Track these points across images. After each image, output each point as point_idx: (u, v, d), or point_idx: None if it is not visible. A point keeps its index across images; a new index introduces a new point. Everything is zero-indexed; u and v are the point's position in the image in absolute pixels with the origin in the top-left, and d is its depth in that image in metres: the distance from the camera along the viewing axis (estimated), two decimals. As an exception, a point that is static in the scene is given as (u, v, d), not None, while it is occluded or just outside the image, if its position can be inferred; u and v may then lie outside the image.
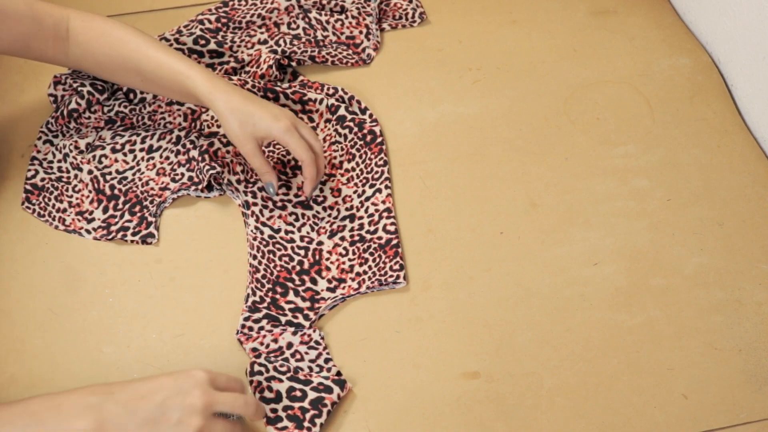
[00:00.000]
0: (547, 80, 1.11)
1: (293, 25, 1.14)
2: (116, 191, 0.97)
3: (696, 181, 0.99)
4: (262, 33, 1.14)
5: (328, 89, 1.07)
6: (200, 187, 0.96)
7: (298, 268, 0.92)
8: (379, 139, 1.01)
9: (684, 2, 1.18)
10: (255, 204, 0.96)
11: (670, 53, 1.13)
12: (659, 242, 0.94)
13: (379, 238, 0.93)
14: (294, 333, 0.86)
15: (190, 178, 0.97)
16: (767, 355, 0.85)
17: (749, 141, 1.03)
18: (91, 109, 1.02)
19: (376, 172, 0.99)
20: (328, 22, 1.15)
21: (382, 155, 1.00)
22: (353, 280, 0.91)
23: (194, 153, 0.98)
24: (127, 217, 0.95)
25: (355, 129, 1.02)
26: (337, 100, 1.05)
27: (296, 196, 0.98)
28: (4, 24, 0.90)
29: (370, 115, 1.04)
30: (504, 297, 0.89)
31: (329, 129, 1.03)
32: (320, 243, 0.94)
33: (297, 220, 0.96)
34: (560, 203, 0.97)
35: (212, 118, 1.03)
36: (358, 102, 1.05)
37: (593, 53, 1.14)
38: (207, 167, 0.95)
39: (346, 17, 1.16)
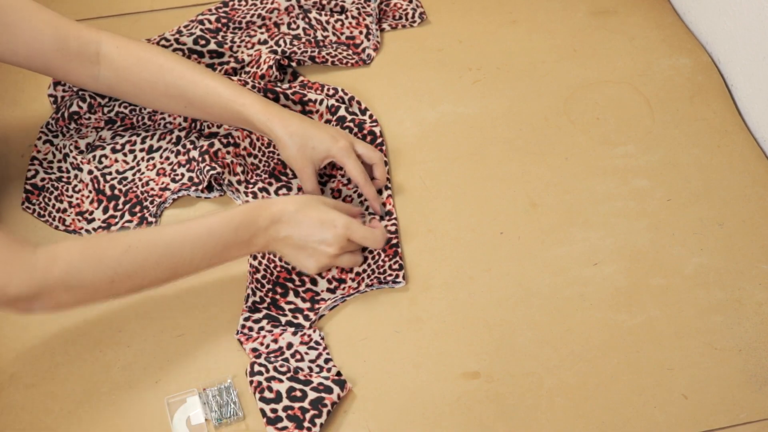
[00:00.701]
0: (547, 80, 1.11)
1: (293, 26, 1.14)
2: (116, 191, 0.97)
3: (696, 181, 0.99)
4: (262, 33, 1.14)
5: (328, 90, 1.07)
6: (200, 187, 0.96)
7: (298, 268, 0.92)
8: (379, 140, 1.01)
9: (684, 2, 1.18)
10: (255, 204, 0.96)
11: (670, 53, 1.13)
12: (659, 242, 0.94)
13: (379, 238, 0.93)
14: (294, 333, 0.86)
15: (190, 179, 0.97)
16: (767, 355, 0.85)
17: (749, 141, 1.03)
18: (91, 111, 1.02)
19: (376, 172, 0.99)
20: (328, 22, 1.15)
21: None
22: (353, 280, 0.91)
23: (194, 153, 0.98)
24: (127, 217, 0.95)
25: (355, 129, 1.02)
26: (337, 100, 1.05)
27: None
28: (20, 38, 0.88)
29: (370, 116, 1.04)
30: (504, 297, 0.89)
31: (329, 129, 1.03)
32: (320, 243, 0.94)
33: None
34: (560, 203, 0.97)
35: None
36: (358, 103, 1.05)
37: (593, 53, 1.14)
38: (207, 168, 0.95)
39: (346, 17, 1.16)
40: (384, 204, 0.96)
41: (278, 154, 1.01)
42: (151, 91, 0.95)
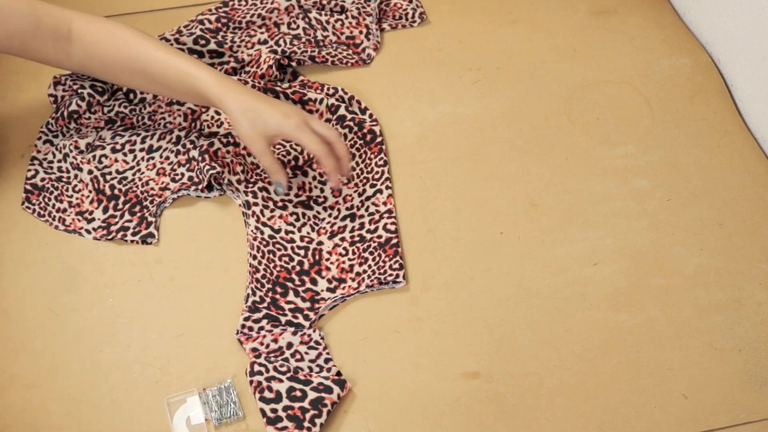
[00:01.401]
0: (547, 80, 1.11)
1: (293, 25, 1.14)
2: (116, 191, 0.97)
3: (696, 181, 0.99)
4: (262, 33, 1.14)
5: (328, 89, 1.07)
6: (200, 187, 0.96)
7: (298, 268, 0.92)
8: (378, 139, 1.01)
9: (684, 2, 1.18)
10: (256, 204, 0.96)
11: (670, 53, 1.13)
12: (659, 242, 0.94)
13: (379, 236, 0.93)
14: (294, 333, 0.86)
15: (190, 178, 0.97)
16: (767, 355, 0.85)
17: (749, 141, 1.03)
18: (91, 110, 1.02)
19: (377, 172, 0.99)
20: (328, 22, 1.15)
21: (382, 155, 1.00)
22: (353, 280, 0.91)
23: (194, 153, 0.98)
24: (127, 217, 0.95)
25: (355, 129, 1.02)
26: (337, 100, 1.05)
27: (297, 196, 0.98)
28: (0, 19, 0.90)
29: (370, 115, 1.04)
30: (504, 297, 0.89)
31: (329, 129, 1.03)
32: (320, 243, 0.94)
33: (297, 220, 0.96)
34: (560, 203, 0.97)
35: (212, 118, 1.03)
36: (358, 102, 1.05)
37: (593, 53, 1.14)
38: (207, 167, 0.95)
39: (346, 17, 1.16)
40: (346, 184, 0.98)
41: (277, 154, 1.01)
42: (116, 66, 0.95)
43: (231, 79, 0.93)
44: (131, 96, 1.04)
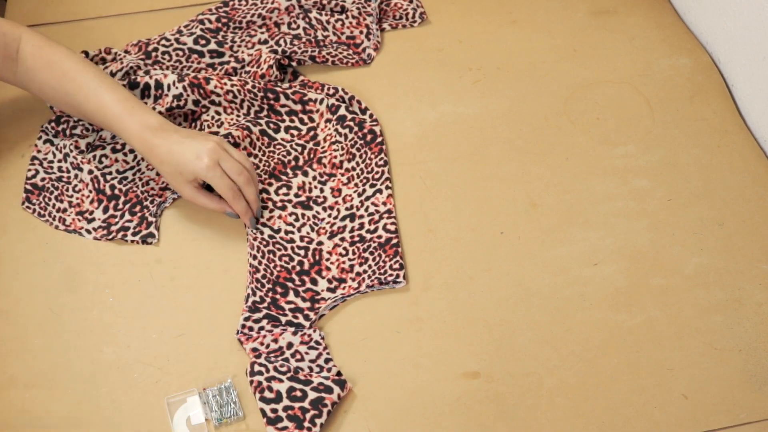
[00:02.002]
0: (547, 80, 1.11)
1: (293, 25, 1.14)
2: (116, 191, 0.97)
3: (696, 181, 0.99)
4: (262, 33, 1.14)
5: (329, 89, 1.07)
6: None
7: (298, 268, 0.92)
8: (379, 139, 1.01)
9: (684, 2, 1.18)
10: (255, 204, 0.96)
11: (670, 53, 1.13)
12: (659, 242, 0.94)
13: (379, 237, 0.93)
14: (294, 333, 0.86)
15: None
16: (767, 355, 0.85)
17: (749, 141, 1.03)
18: None
19: (377, 172, 0.99)
20: (328, 22, 1.15)
21: (383, 155, 1.00)
22: (353, 280, 0.91)
23: None
24: (127, 217, 0.95)
25: (356, 128, 1.02)
26: (337, 100, 1.05)
27: (296, 196, 0.98)
28: None
29: (371, 115, 1.04)
30: (504, 297, 0.89)
31: (329, 129, 1.03)
32: (320, 243, 0.94)
33: (297, 220, 0.96)
34: (560, 203, 0.97)
35: (212, 118, 1.03)
36: (359, 102, 1.05)
37: (593, 53, 1.14)
38: None
39: (347, 17, 1.16)
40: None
41: (277, 154, 1.01)
42: (53, 96, 0.96)
43: (154, 127, 0.91)
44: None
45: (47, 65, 0.94)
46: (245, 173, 0.92)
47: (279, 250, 0.93)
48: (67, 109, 0.97)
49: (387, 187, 0.97)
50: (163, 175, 0.92)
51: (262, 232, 0.93)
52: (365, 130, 1.02)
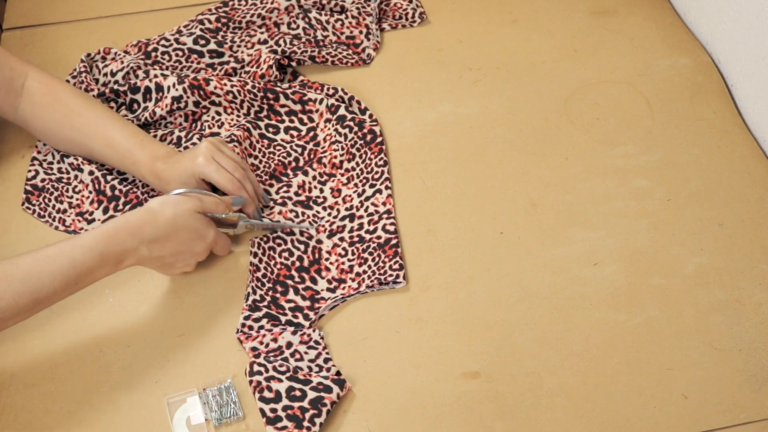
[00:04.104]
0: (547, 80, 1.11)
1: (293, 25, 1.14)
2: (117, 192, 0.97)
3: (696, 181, 0.99)
4: (262, 33, 1.14)
5: (328, 89, 1.07)
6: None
7: (297, 264, 0.92)
8: (379, 139, 1.02)
9: (684, 2, 1.18)
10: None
11: (670, 53, 1.13)
12: (659, 242, 0.94)
13: (378, 237, 0.93)
14: (294, 332, 0.86)
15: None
16: (767, 355, 0.85)
17: (749, 141, 1.03)
18: None
19: (376, 172, 0.99)
20: (328, 22, 1.15)
21: (382, 155, 1.00)
22: (353, 280, 0.91)
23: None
24: (127, 217, 0.95)
25: (355, 128, 1.02)
26: (336, 100, 1.05)
27: (296, 195, 0.98)
28: None
29: (370, 116, 1.05)
30: (504, 297, 0.89)
31: (329, 129, 1.03)
32: (319, 241, 0.94)
33: (297, 216, 0.96)
34: (560, 203, 0.97)
35: (212, 118, 1.04)
36: (358, 102, 1.05)
37: (593, 53, 1.14)
38: None
39: (346, 17, 1.16)
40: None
41: (278, 155, 1.01)
42: (57, 132, 0.95)
43: (163, 157, 0.92)
44: (135, 107, 1.04)
45: (54, 101, 0.94)
46: (240, 170, 0.92)
47: (279, 245, 0.92)
48: (68, 146, 0.97)
49: (387, 188, 0.97)
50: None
51: (268, 239, 0.93)
52: (365, 130, 1.02)
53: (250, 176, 0.94)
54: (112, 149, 0.93)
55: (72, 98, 0.95)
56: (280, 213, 0.96)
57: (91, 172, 0.97)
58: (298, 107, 1.05)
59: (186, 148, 1.00)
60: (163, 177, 0.92)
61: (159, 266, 0.86)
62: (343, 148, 1.01)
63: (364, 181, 0.99)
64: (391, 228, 0.93)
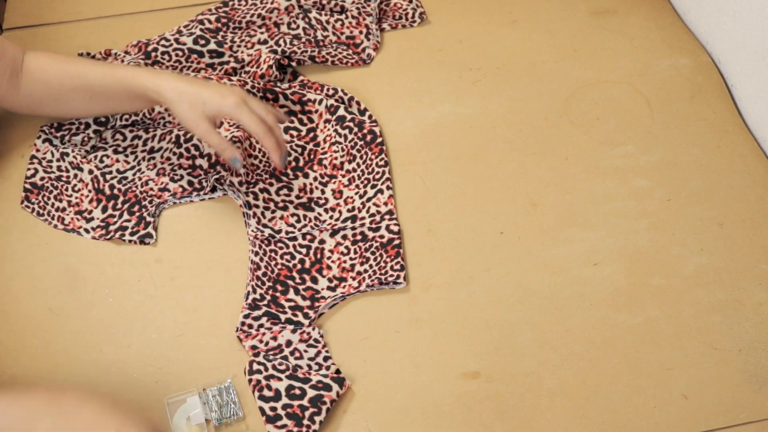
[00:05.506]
0: (547, 80, 1.11)
1: (293, 25, 1.14)
2: (116, 191, 0.97)
3: (696, 181, 0.99)
4: (262, 33, 1.14)
5: (328, 90, 1.07)
6: (202, 192, 0.97)
7: (299, 266, 0.92)
8: (379, 140, 1.01)
9: (684, 2, 1.18)
10: (257, 206, 0.96)
11: (670, 53, 1.13)
12: (659, 242, 0.94)
13: (381, 236, 0.93)
14: (293, 331, 0.86)
15: (190, 183, 0.97)
16: (767, 355, 0.85)
17: (749, 141, 1.03)
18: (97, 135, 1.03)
19: (377, 173, 0.99)
20: (328, 22, 1.15)
21: (383, 155, 1.00)
22: (354, 279, 0.91)
23: (201, 162, 0.98)
24: (125, 216, 0.95)
25: (355, 129, 1.02)
26: (336, 100, 1.05)
27: (297, 197, 0.98)
28: None
29: (370, 116, 1.04)
30: (504, 297, 0.89)
31: (329, 129, 1.03)
32: (322, 242, 0.94)
33: (299, 221, 0.96)
34: (560, 203, 0.97)
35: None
36: (358, 103, 1.05)
37: (593, 53, 1.14)
38: (213, 174, 0.96)
39: (346, 17, 1.16)
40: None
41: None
42: (59, 87, 0.96)
43: (165, 71, 0.94)
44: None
45: (49, 60, 0.95)
46: (271, 115, 0.92)
47: (281, 248, 0.92)
48: (71, 99, 0.97)
49: (388, 188, 0.97)
50: (176, 111, 0.90)
51: (263, 233, 0.93)
52: (365, 131, 1.02)
53: (277, 125, 0.94)
54: (110, 77, 0.93)
55: (66, 57, 0.97)
56: (281, 218, 0.95)
57: (90, 171, 0.97)
58: (297, 107, 1.05)
59: (188, 150, 1.00)
60: (175, 87, 0.90)
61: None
62: (343, 149, 1.01)
63: (366, 182, 0.99)
64: (395, 228, 0.93)
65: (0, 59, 0.93)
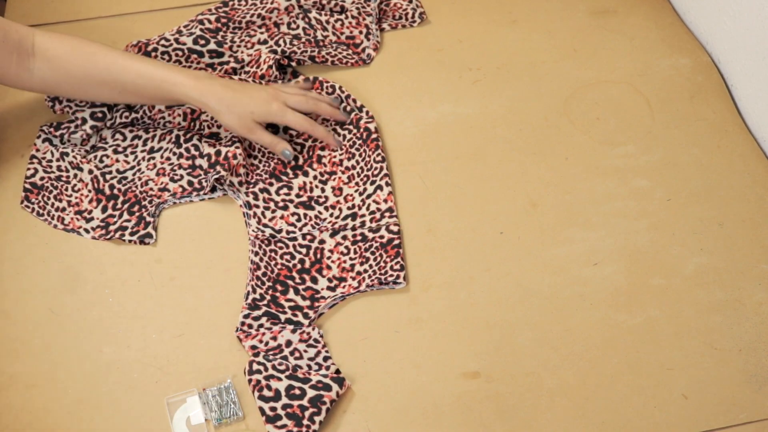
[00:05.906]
0: (547, 80, 1.11)
1: (293, 25, 1.14)
2: (115, 191, 0.97)
3: (696, 181, 0.99)
4: (262, 33, 1.14)
5: (327, 87, 1.07)
6: (203, 191, 0.97)
7: (299, 266, 0.92)
8: (374, 136, 1.01)
9: (684, 2, 1.18)
10: (257, 206, 0.96)
11: (670, 53, 1.13)
12: (659, 242, 0.94)
13: (381, 237, 0.93)
14: (293, 331, 0.86)
15: (190, 183, 0.97)
16: (767, 355, 0.85)
17: (749, 141, 1.03)
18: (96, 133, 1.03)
19: (375, 168, 0.99)
20: (328, 22, 1.15)
21: (379, 151, 1.00)
22: (353, 279, 0.91)
23: (201, 162, 0.98)
24: (125, 216, 0.95)
25: (354, 129, 1.02)
26: (334, 99, 1.06)
27: (297, 196, 0.98)
28: None
29: (367, 112, 1.04)
30: (504, 297, 0.89)
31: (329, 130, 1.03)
32: (322, 242, 0.94)
33: (299, 220, 0.96)
34: (560, 203, 0.97)
35: (212, 118, 1.03)
36: (354, 100, 1.05)
37: (593, 53, 1.14)
38: (213, 174, 0.96)
39: (346, 17, 1.16)
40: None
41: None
42: (84, 79, 0.96)
43: (205, 77, 0.96)
44: (135, 105, 1.04)
45: (72, 50, 0.95)
46: (311, 100, 0.99)
47: (281, 248, 0.93)
48: (98, 90, 0.97)
49: (387, 184, 0.97)
50: (225, 122, 0.96)
51: (263, 232, 0.93)
52: (361, 128, 1.02)
53: (314, 95, 1.00)
54: (146, 78, 0.95)
55: (89, 45, 0.96)
56: (282, 218, 0.96)
57: (90, 171, 0.97)
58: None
59: (188, 150, 1.00)
60: (218, 98, 0.95)
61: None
62: (342, 148, 1.02)
63: (365, 179, 0.99)
64: (395, 228, 0.93)
65: (4, 43, 0.92)
